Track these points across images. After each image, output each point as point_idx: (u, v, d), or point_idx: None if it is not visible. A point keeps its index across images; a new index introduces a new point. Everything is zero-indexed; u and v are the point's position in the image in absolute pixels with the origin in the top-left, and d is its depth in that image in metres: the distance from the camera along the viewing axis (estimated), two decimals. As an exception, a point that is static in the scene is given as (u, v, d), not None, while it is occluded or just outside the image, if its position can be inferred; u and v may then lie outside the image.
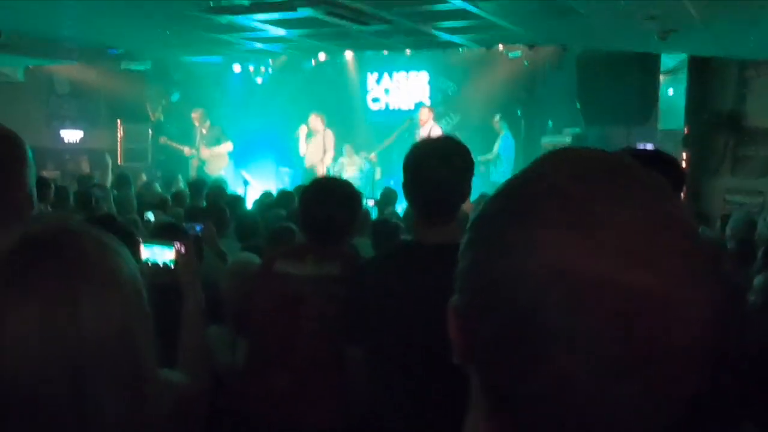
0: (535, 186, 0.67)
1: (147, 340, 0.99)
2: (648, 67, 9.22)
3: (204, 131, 12.05)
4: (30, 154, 1.63)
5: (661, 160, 2.01)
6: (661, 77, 9.63)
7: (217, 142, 11.98)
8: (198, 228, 4.17)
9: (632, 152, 2.14)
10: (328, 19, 7.04)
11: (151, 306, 1.02)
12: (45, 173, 11.15)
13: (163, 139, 12.45)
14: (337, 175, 11.58)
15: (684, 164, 8.96)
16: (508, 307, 0.62)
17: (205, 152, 11.99)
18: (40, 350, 0.88)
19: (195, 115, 12.10)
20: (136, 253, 1.86)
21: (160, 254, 2.29)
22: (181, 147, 12.23)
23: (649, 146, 9.88)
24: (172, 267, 2.24)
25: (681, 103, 9.67)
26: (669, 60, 9.66)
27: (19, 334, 0.88)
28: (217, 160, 11.96)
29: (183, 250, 2.23)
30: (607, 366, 0.59)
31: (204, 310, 2.15)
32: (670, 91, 10.19)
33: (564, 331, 0.60)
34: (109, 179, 10.32)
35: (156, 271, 2.22)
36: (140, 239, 2.41)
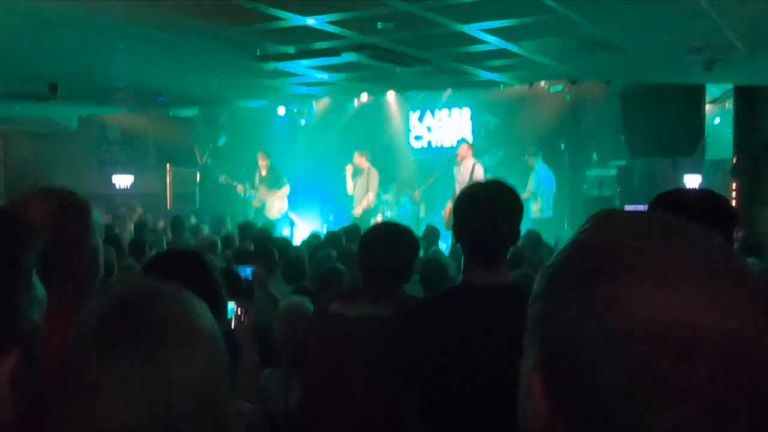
0: (613, 247, 0.70)
1: (227, 389, 1.03)
2: (693, 97, 9.13)
3: (264, 173, 12.24)
4: (97, 218, 1.71)
5: (712, 201, 2.01)
6: (707, 107, 9.52)
7: (278, 185, 12.16)
8: (249, 271, 4.26)
9: (683, 195, 2.14)
10: (371, 62, 7.17)
11: None
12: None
13: (223, 178, 12.68)
14: (381, 213, 11.67)
15: (734, 194, 8.81)
16: (615, 364, 0.65)
17: (265, 194, 12.16)
18: (134, 408, 0.93)
19: (260, 156, 12.31)
20: (217, 279, 1.94)
21: None
22: (237, 184, 12.46)
23: (697, 178, 9.76)
24: (231, 323, 2.33)
25: (728, 132, 9.53)
26: (714, 89, 9.56)
27: (113, 396, 0.93)
28: (277, 203, 12.13)
29: (242, 311, 2.33)
30: (719, 411, 0.63)
31: (258, 364, 2.23)
32: (717, 121, 10.07)
33: (677, 380, 0.63)
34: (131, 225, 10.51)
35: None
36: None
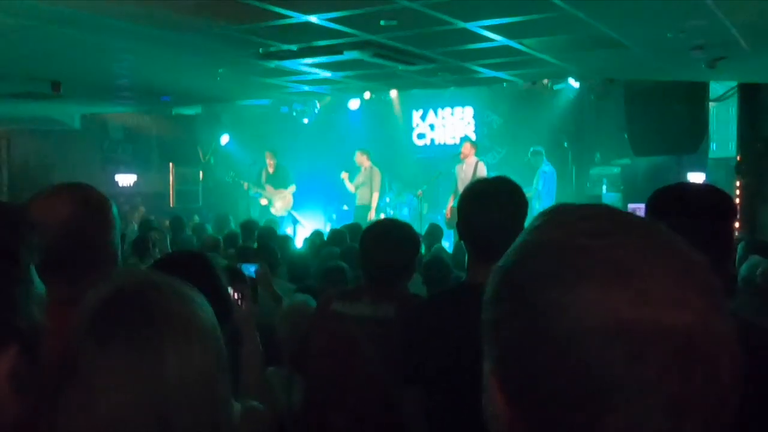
0: (556, 247, 0.69)
1: (225, 384, 1.03)
2: (696, 94, 9.11)
3: (271, 171, 12.28)
4: (115, 211, 1.72)
5: (712, 195, 2.00)
6: (711, 104, 9.50)
7: (284, 183, 12.20)
8: (253, 269, 4.24)
9: (683, 188, 2.13)
10: (374, 60, 7.16)
11: None
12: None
13: (232, 175, 12.72)
14: (384, 211, 11.67)
15: (737, 192, 8.79)
16: (570, 368, 0.64)
17: (272, 192, 12.19)
18: (128, 399, 0.93)
19: (267, 155, 12.35)
20: (222, 279, 1.96)
21: None
22: (244, 182, 12.50)
23: (701, 176, 9.74)
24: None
25: (732, 130, 9.51)
26: (718, 87, 9.53)
27: (108, 384, 0.93)
28: (283, 202, 12.16)
29: (239, 296, 2.33)
30: (672, 407, 0.62)
31: (261, 351, 2.23)
32: (720, 119, 10.04)
33: (631, 379, 0.62)
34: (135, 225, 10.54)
35: None
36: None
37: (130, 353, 0.94)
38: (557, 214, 0.73)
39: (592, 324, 0.63)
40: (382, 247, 2.78)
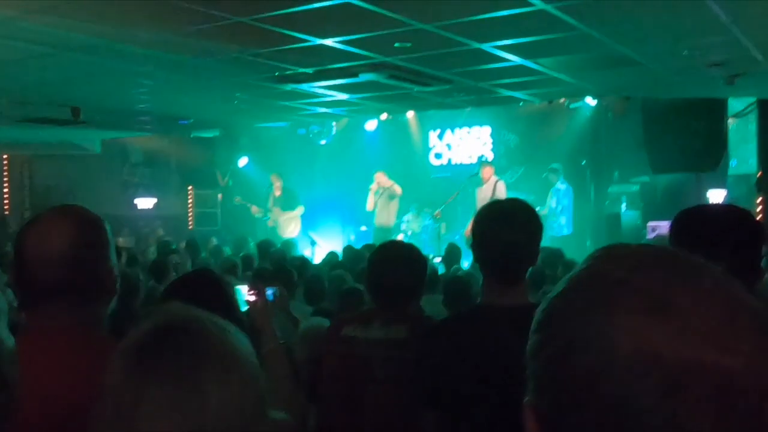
0: (600, 281, 0.68)
1: (263, 414, 1.04)
2: (715, 111, 9.04)
3: (278, 194, 12.33)
4: (110, 231, 1.73)
5: (739, 219, 1.97)
6: (730, 120, 9.43)
7: (291, 206, 12.24)
8: (270, 292, 4.23)
9: (708, 213, 2.10)
10: (389, 82, 7.19)
11: None
12: (120, 240, 11.56)
13: (238, 199, 12.80)
14: (402, 232, 11.67)
15: (759, 209, 8.69)
16: (601, 398, 0.63)
17: (279, 214, 12.23)
18: (171, 430, 0.94)
19: (273, 177, 12.42)
20: (232, 296, 1.99)
21: None
22: (251, 205, 12.55)
23: (721, 192, 9.64)
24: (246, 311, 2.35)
25: (752, 146, 9.43)
26: (737, 103, 9.47)
27: (153, 416, 0.94)
28: (290, 223, 12.19)
29: (255, 293, 2.35)
30: None
31: (282, 351, 2.23)
32: (740, 135, 9.96)
33: (662, 416, 0.61)
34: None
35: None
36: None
37: (171, 388, 0.95)
38: (610, 249, 0.73)
39: (625, 355, 0.62)
40: (389, 269, 2.79)
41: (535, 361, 0.70)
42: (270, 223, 12.36)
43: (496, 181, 10.68)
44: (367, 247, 7.65)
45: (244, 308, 2.40)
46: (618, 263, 0.69)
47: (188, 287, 1.95)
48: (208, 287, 1.93)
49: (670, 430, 0.60)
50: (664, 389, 0.61)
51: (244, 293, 2.41)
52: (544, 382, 0.69)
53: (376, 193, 11.76)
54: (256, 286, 2.41)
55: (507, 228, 2.25)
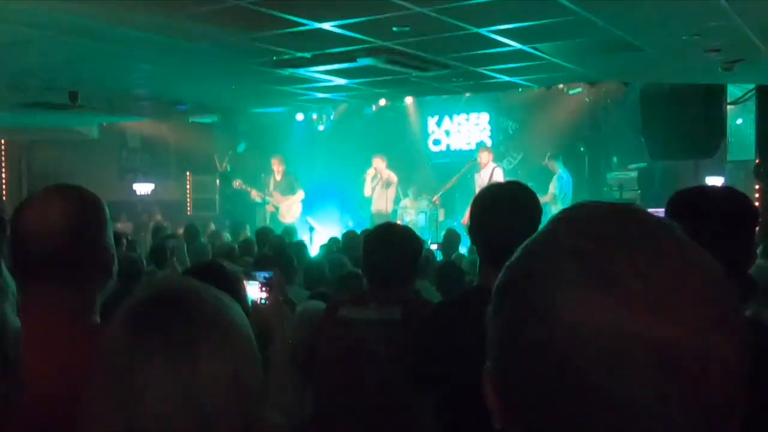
0: (551, 248, 0.67)
1: (258, 385, 1.05)
2: (714, 97, 9.01)
3: (278, 178, 12.30)
4: (108, 212, 1.73)
5: (731, 198, 1.97)
6: (728, 107, 9.41)
7: (292, 190, 12.21)
8: (266, 275, 4.25)
9: (703, 193, 2.11)
10: (387, 67, 7.16)
11: None
12: (119, 225, 11.56)
13: (237, 183, 12.75)
14: (400, 218, 11.68)
15: (756, 195, 8.70)
16: (545, 370, 0.63)
17: (279, 199, 12.21)
18: (165, 397, 0.95)
19: (274, 161, 12.38)
20: (242, 291, 1.99)
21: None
22: (251, 189, 12.51)
23: (720, 179, 9.65)
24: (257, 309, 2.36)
25: (750, 132, 9.42)
26: (736, 89, 9.45)
27: (147, 383, 0.95)
28: (290, 208, 12.18)
29: (267, 290, 2.36)
30: (648, 419, 0.60)
31: (287, 351, 2.24)
32: (739, 121, 9.94)
33: (604, 388, 0.60)
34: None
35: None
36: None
37: (164, 354, 0.96)
38: (568, 212, 0.72)
39: (567, 327, 0.62)
40: (383, 251, 2.80)
41: (490, 329, 0.71)
42: (270, 208, 12.34)
43: (494, 168, 10.68)
44: (365, 232, 7.66)
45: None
46: (570, 229, 0.68)
47: (197, 277, 1.94)
48: (215, 281, 1.92)
49: (612, 402, 0.60)
50: (605, 361, 0.60)
51: (256, 291, 2.43)
52: (496, 352, 0.69)
53: (373, 179, 11.76)
54: (268, 285, 2.44)
55: (506, 210, 2.25)
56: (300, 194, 12.28)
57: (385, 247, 2.81)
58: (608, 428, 0.61)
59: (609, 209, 0.70)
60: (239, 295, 1.95)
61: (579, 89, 11.35)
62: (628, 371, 0.60)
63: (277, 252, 6.26)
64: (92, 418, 0.97)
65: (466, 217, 10.54)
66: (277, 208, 12.22)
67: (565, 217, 0.71)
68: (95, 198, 1.71)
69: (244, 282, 2.47)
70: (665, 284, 0.62)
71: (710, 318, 0.61)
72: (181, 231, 9.55)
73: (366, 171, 11.84)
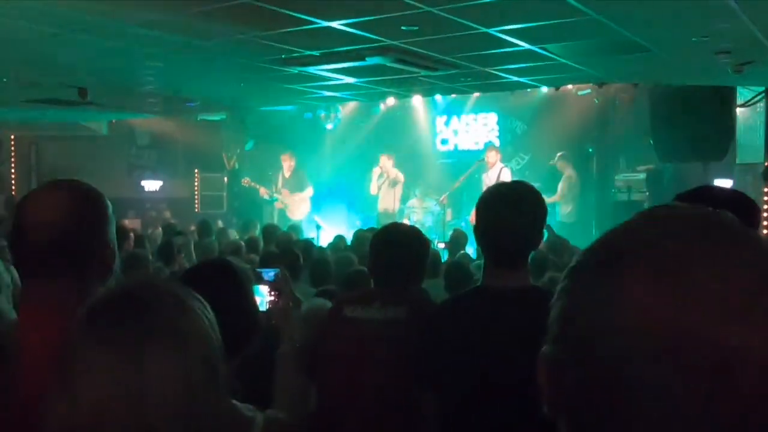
0: (627, 240, 0.67)
1: (214, 396, 1.03)
2: (723, 99, 8.98)
3: (287, 175, 12.32)
4: (111, 208, 1.72)
5: (735, 199, 1.97)
6: (738, 109, 9.37)
7: (301, 187, 12.23)
8: (272, 273, 4.24)
9: (708, 193, 2.10)
10: (396, 66, 7.16)
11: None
12: (127, 222, 11.61)
13: (246, 181, 12.78)
14: (407, 217, 11.68)
15: (765, 198, 8.66)
16: (597, 359, 0.63)
17: (287, 196, 12.23)
18: (105, 398, 0.95)
19: (284, 157, 12.39)
20: (249, 290, 1.96)
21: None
22: (259, 187, 12.54)
23: (728, 182, 9.60)
24: (267, 311, 2.36)
25: (760, 135, 9.37)
26: (745, 92, 9.40)
27: (91, 387, 0.95)
28: (299, 205, 12.20)
29: (277, 293, 2.36)
30: (698, 422, 0.59)
31: (297, 354, 2.25)
32: (748, 124, 9.89)
33: (652, 384, 0.60)
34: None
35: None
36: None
37: (110, 354, 0.96)
38: (652, 210, 0.71)
39: (624, 319, 0.61)
40: (390, 251, 2.80)
41: (554, 310, 0.70)
42: (279, 205, 12.37)
43: (501, 168, 10.67)
44: (372, 230, 7.67)
45: (264, 308, 2.42)
46: (652, 223, 0.67)
47: (202, 275, 1.92)
48: (222, 278, 1.90)
49: (661, 398, 0.59)
50: (657, 357, 0.59)
51: (265, 293, 2.43)
52: (554, 334, 0.69)
53: (379, 177, 11.76)
54: (278, 287, 2.44)
55: (510, 211, 2.25)
56: (309, 191, 12.30)
57: (392, 247, 2.81)
58: (654, 426, 0.60)
59: (693, 210, 0.70)
60: (246, 292, 1.93)
61: (588, 90, 11.32)
62: (681, 370, 0.59)
63: (283, 249, 6.26)
64: (47, 406, 0.98)
65: (473, 216, 10.54)
66: (286, 206, 12.24)
67: (648, 213, 0.70)
68: (97, 193, 1.70)
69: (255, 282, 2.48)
70: (742, 291, 0.60)
71: None
72: (192, 228, 9.58)
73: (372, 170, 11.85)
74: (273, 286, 2.44)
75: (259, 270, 3.45)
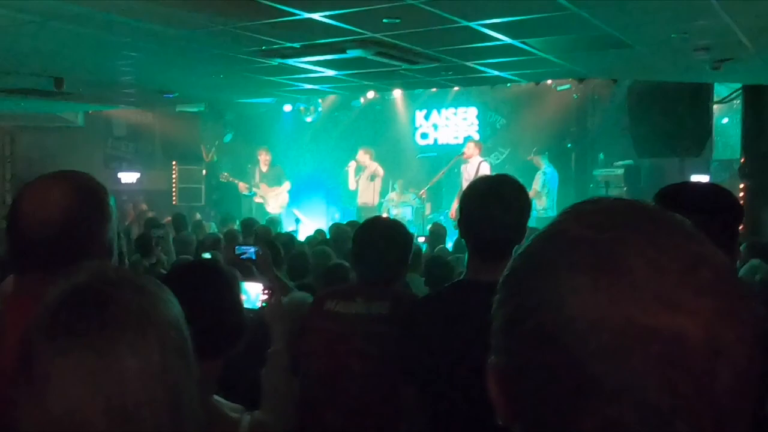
0: (558, 238, 0.66)
1: (188, 382, 1.00)
2: (701, 96, 9.07)
3: (264, 169, 12.29)
4: (113, 201, 1.68)
5: (717, 195, 1.98)
6: (715, 106, 9.47)
7: (278, 181, 12.21)
8: (252, 251, 4.18)
9: (688, 187, 2.11)
10: (376, 59, 7.14)
11: None
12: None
13: (224, 176, 12.72)
14: (386, 211, 11.68)
15: (741, 195, 8.76)
16: (547, 361, 0.62)
17: (266, 191, 12.21)
18: (83, 398, 0.90)
19: (261, 152, 12.35)
20: (237, 291, 1.92)
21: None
22: (238, 182, 12.50)
23: (705, 178, 9.71)
24: (258, 308, 2.35)
25: (736, 132, 9.48)
26: (722, 89, 9.50)
27: (63, 383, 0.90)
28: (277, 199, 12.18)
29: (269, 292, 2.35)
30: (653, 413, 0.58)
31: (287, 354, 2.24)
32: (725, 121, 10.00)
33: (606, 380, 0.59)
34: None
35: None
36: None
37: (83, 353, 0.91)
38: (580, 205, 0.71)
39: (572, 317, 0.60)
40: (374, 245, 2.79)
41: (495, 320, 0.69)
42: (257, 199, 12.34)
43: (480, 162, 10.69)
44: (351, 224, 7.64)
45: (257, 306, 2.40)
46: (581, 220, 0.67)
47: (188, 276, 1.88)
48: (210, 278, 1.86)
49: (616, 395, 0.59)
50: (610, 352, 0.59)
51: (258, 292, 2.43)
52: (501, 343, 0.68)
53: (357, 172, 11.74)
54: (270, 287, 2.43)
55: (494, 204, 2.24)
56: (286, 185, 12.28)
57: (376, 241, 2.80)
58: (610, 423, 0.59)
59: (619, 202, 0.69)
60: (233, 292, 1.90)
61: (567, 85, 11.38)
62: (633, 363, 0.58)
63: (264, 242, 6.22)
64: (12, 406, 0.93)
65: (453, 210, 10.55)
66: (264, 199, 12.22)
67: (575, 209, 0.70)
68: (99, 187, 1.65)
69: (252, 284, 2.46)
70: (675, 276, 0.60)
71: (720, 311, 0.60)
72: (167, 220, 9.49)
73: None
74: (266, 285, 2.44)
75: (238, 248, 3.42)
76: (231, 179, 12.56)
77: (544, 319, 0.62)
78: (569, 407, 0.61)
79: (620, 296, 0.60)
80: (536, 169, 11.08)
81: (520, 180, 2.43)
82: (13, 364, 0.95)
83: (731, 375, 0.59)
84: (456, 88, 11.89)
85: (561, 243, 0.65)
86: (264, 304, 2.44)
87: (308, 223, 12.05)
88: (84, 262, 1.06)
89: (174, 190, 14.36)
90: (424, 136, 13.69)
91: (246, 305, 2.08)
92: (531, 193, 10.49)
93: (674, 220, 0.66)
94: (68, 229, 1.55)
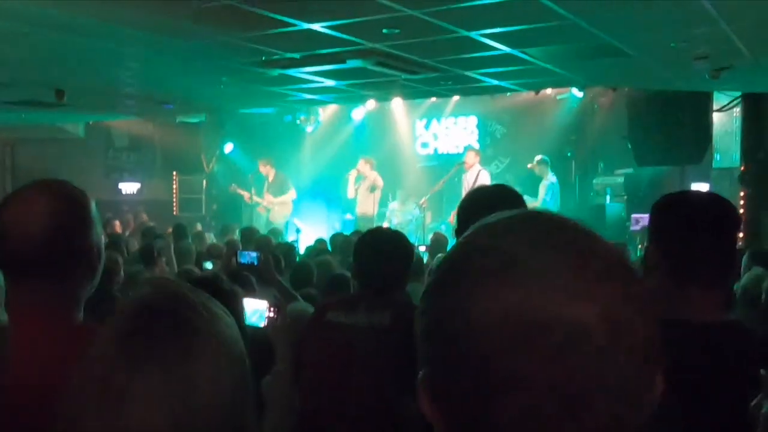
0: (467, 250, 0.71)
1: (251, 398, 1.01)
2: (700, 104, 9.08)
3: (270, 179, 12.30)
4: (95, 207, 1.70)
5: (716, 203, 1.98)
6: (714, 114, 9.48)
7: (282, 191, 12.21)
8: (255, 255, 4.17)
9: (686, 197, 2.11)
10: (376, 69, 7.16)
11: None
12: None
13: (233, 187, 12.75)
14: (387, 220, 11.68)
15: (741, 202, 8.76)
16: (462, 361, 0.65)
17: (270, 200, 12.20)
18: (162, 417, 0.90)
19: (263, 163, 12.36)
20: (240, 310, 1.92)
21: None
22: (245, 193, 12.52)
23: (705, 186, 9.71)
24: (262, 325, 2.34)
25: (736, 140, 9.48)
26: (722, 97, 9.51)
27: (144, 402, 0.90)
28: (281, 208, 12.18)
29: (274, 311, 2.35)
30: (564, 397, 0.62)
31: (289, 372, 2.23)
32: (724, 129, 10.00)
33: (516, 371, 0.62)
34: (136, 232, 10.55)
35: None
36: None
37: (162, 372, 0.91)
38: (485, 219, 0.76)
39: (478, 316, 0.64)
40: (375, 256, 2.79)
41: (417, 332, 0.73)
42: (261, 210, 12.35)
43: (479, 171, 10.69)
44: (356, 233, 7.65)
45: (262, 323, 2.40)
46: (484, 231, 0.72)
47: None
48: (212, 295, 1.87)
49: (529, 381, 0.62)
50: (517, 344, 0.62)
51: (257, 309, 2.43)
52: (423, 353, 0.71)
53: (356, 180, 11.74)
54: (276, 305, 2.44)
55: (489, 212, 2.25)
56: (291, 193, 12.28)
57: (377, 252, 2.81)
58: (527, 411, 0.62)
59: (518, 213, 0.75)
60: (236, 311, 1.90)
61: (567, 94, 11.39)
62: (539, 352, 0.62)
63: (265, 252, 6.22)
64: (72, 424, 0.92)
65: (452, 217, 10.54)
66: (268, 210, 12.22)
67: (481, 223, 0.75)
68: (81, 194, 1.67)
69: (252, 300, 2.46)
70: (570, 269, 0.64)
71: (614, 295, 0.64)
72: (169, 231, 9.49)
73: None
74: (272, 303, 2.43)
75: (240, 253, 3.41)
76: (239, 191, 12.61)
77: (456, 323, 0.66)
78: (487, 401, 0.64)
79: (522, 292, 0.63)
80: (537, 178, 11.08)
81: (522, 189, 2.43)
82: (73, 381, 0.94)
83: (632, 351, 0.63)
84: (456, 98, 11.90)
85: (468, 253, 0.70)
86: (264, 325, 2.43)
87: (309, 233, 12.06)
88: (145, 276, 1.07)
89: (174, 200, 14.37)
90: (425, 145, 13.70)
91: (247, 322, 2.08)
92: (538, 203, 10.55)
93: (567, 222, 0.71)
94: (52, 238, 1.56)
